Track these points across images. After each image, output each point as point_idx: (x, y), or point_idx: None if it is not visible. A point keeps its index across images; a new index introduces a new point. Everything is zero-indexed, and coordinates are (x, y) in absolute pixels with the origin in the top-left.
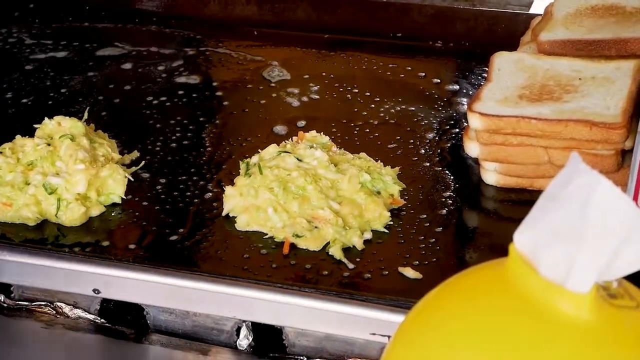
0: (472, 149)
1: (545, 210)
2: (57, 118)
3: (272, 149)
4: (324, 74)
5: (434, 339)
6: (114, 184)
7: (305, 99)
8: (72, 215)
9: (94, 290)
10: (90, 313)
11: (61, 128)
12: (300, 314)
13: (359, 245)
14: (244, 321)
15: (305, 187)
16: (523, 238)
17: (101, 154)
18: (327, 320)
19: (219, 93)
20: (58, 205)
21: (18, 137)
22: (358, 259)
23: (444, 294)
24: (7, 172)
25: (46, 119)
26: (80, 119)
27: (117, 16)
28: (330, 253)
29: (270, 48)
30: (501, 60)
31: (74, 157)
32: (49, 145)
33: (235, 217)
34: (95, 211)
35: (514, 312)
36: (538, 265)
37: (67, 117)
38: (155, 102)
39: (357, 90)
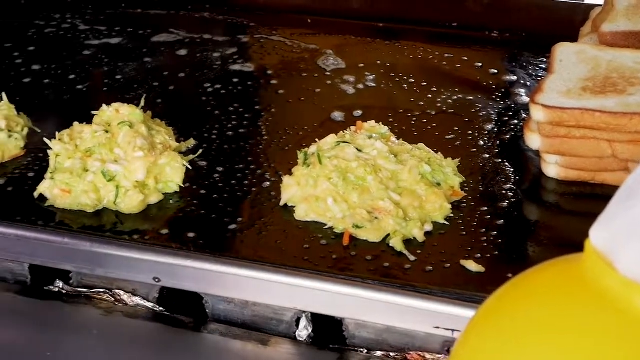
0: (533, 141)
1: (622, 206)
2: (114, 105)
3: (331, 139)
4: (378, 62)
5: (507, 335)
6: (172, 172)
7: (361, 87)
8: (130, 203)
9: (155, 279)
10: (149, 301)
11: (119, 115)
12: (362, 306)
13: (420, 237)
14: (304, 312)
15: (365, 178)
16: (599, 234)
17: (159, 142)
18: (390, 312)
19: (274, 81)
20: (117, 193)
21: (76, 123)
22: (419, 251)
23: (516, 290)
24: (65, 158)
25: (104, 105)
26: (136, 105)
27: (170, 3)
28: (390, 245)
29: (325, 36)
30: (563, 51)
31: (133, 144)
32: (107, 132)
33: (294, 206)
34: (154, 199)
35: (591, 310)
36: (616, 263)
37: (125, 104)
38: (210, 89)
39: (413, 80)
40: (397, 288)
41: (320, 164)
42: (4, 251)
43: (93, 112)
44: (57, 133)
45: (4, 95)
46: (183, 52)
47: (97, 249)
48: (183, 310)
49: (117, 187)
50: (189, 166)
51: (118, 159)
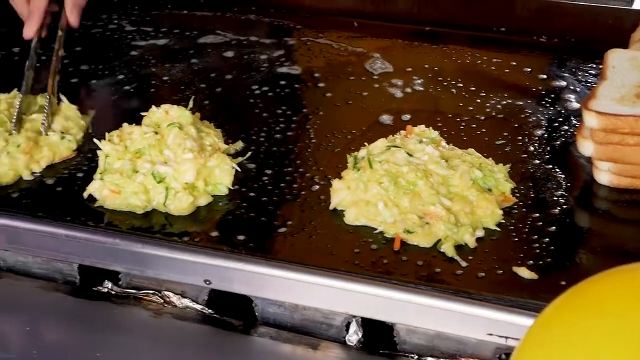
0: (585, 147)
1: None
2: (164, 106)
3: (381, 143)
4: (426, 66)
5: (567, 346)
6: (222, 174)
7: (408, 90)
8: (180, 205)
9: (205, 281)
10: (198, 303)
11: (169, 116)
12: (414, 312)
13: (471, 243)
14: (354, 316)
15: (416, 183)
16: None
17: (208, 144)
18: (443, 318)
19: (321, 84)
20: (166, 194)
21: (125, 125)
22: (470, 257)
23: (575, 300)
24: (115, 159)
25: (153, 107)
26: (185, 107)
27: (216, 4)
28: (441, 250)
29: (371, 39)
30: (615, 58)
31: (182, 146)
32: (156, 133)
33: (344, 210)
34: (203, 201)
35: None
36: None
37: (175, 106)
38: (257, 91)
39: (461, 85)
40: (451, 294)
41: (370, 168)
42: (54, 251)
43: (142, 114)
44: (106, 134)
45: (63, 97)
46: (230, 53)
47: (149, 250)
48: (232, 312)
49: (166, 189)
50: (238, 168)
51: (167, 160)
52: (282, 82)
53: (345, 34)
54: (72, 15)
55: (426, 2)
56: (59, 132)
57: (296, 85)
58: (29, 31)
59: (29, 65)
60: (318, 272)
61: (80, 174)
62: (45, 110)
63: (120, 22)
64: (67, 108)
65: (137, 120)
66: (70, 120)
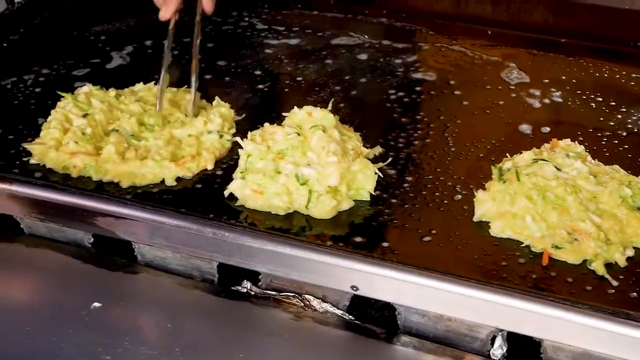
0: None
1: None
2: (306, 108)
3: (528, 155)
4: (563, 77)
5: None
6: (364, 179)
7: (547, 102)
8: (322, 208)
9: (352, 287)
10: (338, 308)
11: (311, 118)
12: (566, 329)
13: (622, 262)
14: (501, 330)
15: (564, 198)
16: None
17: (350, 147)
18: (596, 337)
19: (457, 92)
20: (309, 197)
21: (267, 124)
22: (621, 276)
23: None
24: (258, 159)
25: (295, 107)
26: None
27: (346, 6)
28: (591, 267)
29: (506, 49)
30: None
31: (326, 149)
32: (298, 135)
33: (488, 222)
34: (345, 205)
35: None
36: None
37: (318, 108)
38: (393, 96)
39: (600, 99)
40: (609, 314)
41: (518, 180)
42: (199, 249)
43: (284, 114)
44: (248, 133)
45: (217, 97)
46: (363, 56)
47: (297, 253)
48: (373, 320)
49: (309, 192)
50: (380, 174)
51: (311, 162)
52: (418, 88)
53: (479, 42)
54: (208, 3)
55: (562, 15)
56: (215, 131)
57: (432, 92)
58: (167, 13)
59: (167, 46)
60: (467, 284)
61: (219, 172)
62: (192, 92)
63: (251, 20)
64: (221, 106)
65: (272, 120)
66: (225, 119)
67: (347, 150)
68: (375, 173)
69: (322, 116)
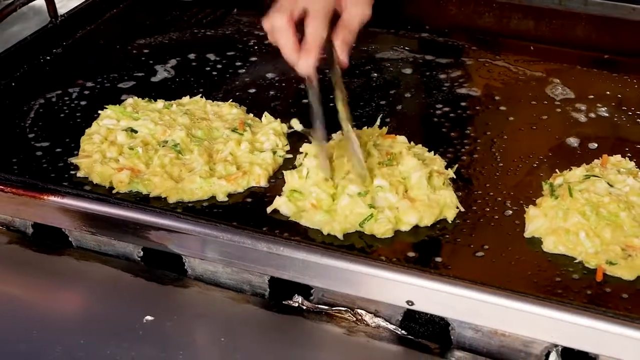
0: None
1: None
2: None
3: (579, 171)
4: (608, 93)
5: None
6: (445, 209)
7: (592, 116)
8: (380, 229)
9: (408, 302)
10: (391, 323)
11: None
12: (626, 345)
13: None
14: (556, 346)
15: (617, 214)
16: None
17: (435, 169)
18: None
19: (502, 107)
20: (369, 217)
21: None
22: None
23: None
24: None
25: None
26: (369, 125)
27: (388, 22)
28: None
29: (549, 64)
30: None
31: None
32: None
33: (540, 238)
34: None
35: None
36: None
37: (366, 128)
38: (439, 111)
39: None
40: None
41: (570, 196)
42: (253, 263)
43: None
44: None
45: (266, 113)
46: (408, 70)
47: (351, 268)
48: (427, 335)
49: (371, 214)
50: (461, 208)
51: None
52: (463, 104)
53: (522, 58)
54: (342, 54)
55: (605, 31)
56: (269, 150)
57: (477, 107)
58: (306, 64)
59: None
60: (523, 299)
61: (267, 186)
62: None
63: None
64: (272, 122)
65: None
66: (278, 135)
67: (432, 174)
68: (457, 207)
69: (369, 133)
